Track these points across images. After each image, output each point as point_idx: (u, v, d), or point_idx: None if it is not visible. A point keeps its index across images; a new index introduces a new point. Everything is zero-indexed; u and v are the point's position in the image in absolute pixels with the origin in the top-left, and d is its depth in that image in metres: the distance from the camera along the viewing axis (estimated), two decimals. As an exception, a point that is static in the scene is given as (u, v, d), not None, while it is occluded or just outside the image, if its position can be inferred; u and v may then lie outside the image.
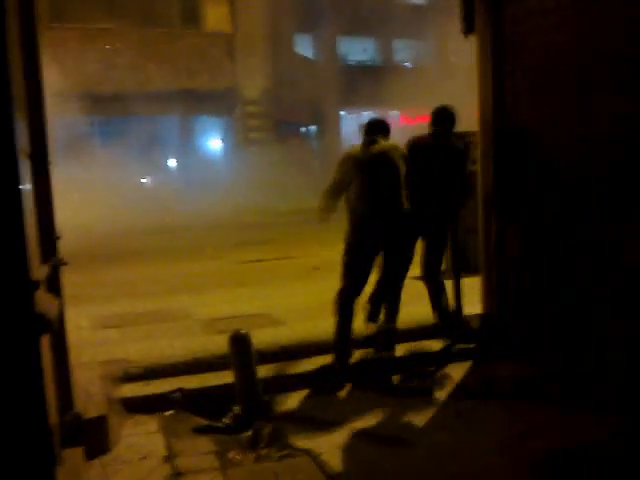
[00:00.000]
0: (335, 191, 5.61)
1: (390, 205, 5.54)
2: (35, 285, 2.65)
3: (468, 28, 5.84)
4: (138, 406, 4.71)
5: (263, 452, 4.10)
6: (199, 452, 4.13)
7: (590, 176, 4.84)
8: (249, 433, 4.35)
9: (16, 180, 2.51)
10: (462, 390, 5.08)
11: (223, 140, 23.71)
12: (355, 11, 24.97)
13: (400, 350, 5.67)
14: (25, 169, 2.89)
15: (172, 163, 22.42)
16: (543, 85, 5.25)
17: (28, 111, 3.49)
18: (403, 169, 5.56)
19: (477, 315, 6.03)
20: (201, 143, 23.61)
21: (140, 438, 4.35)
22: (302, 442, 4.21)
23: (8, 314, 2.51)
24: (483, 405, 4.74)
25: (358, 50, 28.63)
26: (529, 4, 5.33)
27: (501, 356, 5.50)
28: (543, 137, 5.32)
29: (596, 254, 4.85)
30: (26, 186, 2.84)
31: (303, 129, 27.28)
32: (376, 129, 5.72)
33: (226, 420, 4.51)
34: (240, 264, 10.39)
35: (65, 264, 3.92)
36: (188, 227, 14.77)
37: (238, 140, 22.90)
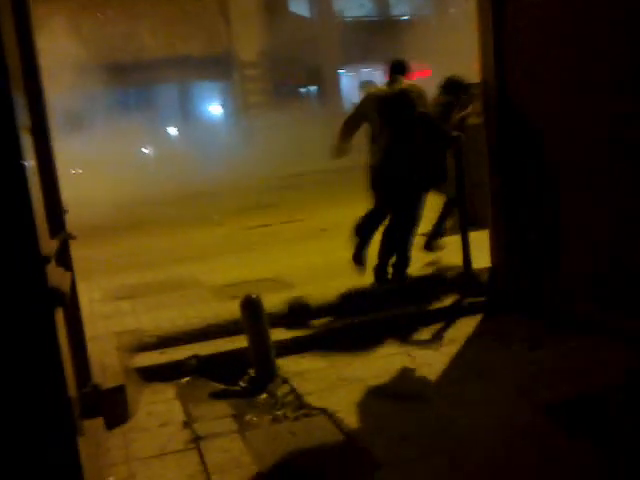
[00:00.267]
0: (350, 125, 5.99)
1: (406, 149, 5.70)
2: (46, 260, 2.66)
3: None
4: (154, 374, 4.77)
5: (279, 413, 4.15)
6: (217, 416, 4.19)
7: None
8: (265, 395, 4.41)
9: (19, 156, 2.51)
10: (473, 342, 5.11)
11: (223, 105, 23.55)
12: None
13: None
14: (27, 144, 2.88)
15: (173, 131, 22.30)
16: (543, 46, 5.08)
17: (26, 87, 3.46)
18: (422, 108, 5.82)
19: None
20: (201, 109, 23.46)
21: (158, 406, 4.41)
22: (317, 401, 4.25)
23: (22, 290, 2.53)
24: (494, 356, 4.77)
25: (354, 5, 28.14)
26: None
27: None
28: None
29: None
30: (30, 162, 2.84)
31: (303, 90, 27.03)
32: (398, 69, 5.99)
33: (242, 384, 4.57)
34: (247, 229, 10.40)
35: (74, 238, 3.93)
36: (192, 195, 14.74)
37: (238, 105, 22.75)
